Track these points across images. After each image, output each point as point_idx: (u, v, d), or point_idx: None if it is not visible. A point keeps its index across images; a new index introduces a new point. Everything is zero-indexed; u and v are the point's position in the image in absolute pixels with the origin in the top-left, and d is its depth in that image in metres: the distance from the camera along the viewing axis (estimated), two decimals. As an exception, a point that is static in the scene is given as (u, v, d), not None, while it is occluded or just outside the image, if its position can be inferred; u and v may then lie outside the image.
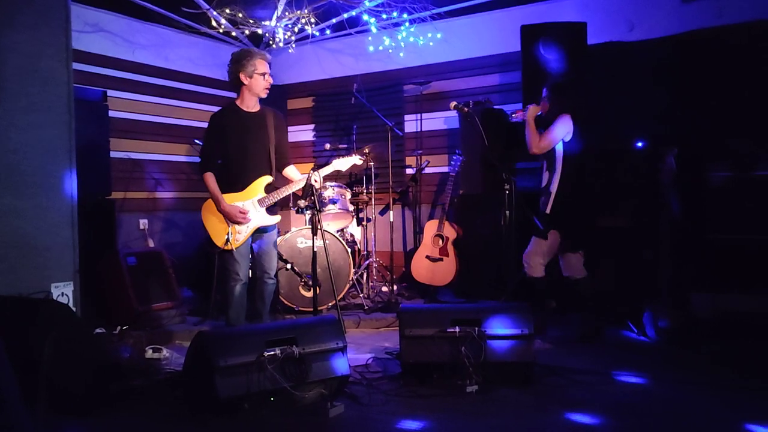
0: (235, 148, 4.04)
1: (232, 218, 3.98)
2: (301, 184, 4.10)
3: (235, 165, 4.06)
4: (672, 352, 4.13)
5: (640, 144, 5.15)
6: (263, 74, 4.04)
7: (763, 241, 4.45)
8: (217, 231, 4.03)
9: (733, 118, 4.98)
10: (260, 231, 4.12)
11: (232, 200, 4.03)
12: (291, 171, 4.29)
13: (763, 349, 4.08)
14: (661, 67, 5.27)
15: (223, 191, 4.01)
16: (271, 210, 4.13)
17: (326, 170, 4.17)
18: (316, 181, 4.00)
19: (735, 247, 4.52)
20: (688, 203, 4.64)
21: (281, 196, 4.13)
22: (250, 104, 4.11)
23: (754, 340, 4.20)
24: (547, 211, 4.46)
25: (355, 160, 4.31)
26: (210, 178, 4.02)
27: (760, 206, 4.49)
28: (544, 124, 4.68)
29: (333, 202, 5.61)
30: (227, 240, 3.97)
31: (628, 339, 4.51)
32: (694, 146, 4.77)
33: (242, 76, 4.02)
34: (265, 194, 4.08)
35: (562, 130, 4.48)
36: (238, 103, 4.12)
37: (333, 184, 5.75)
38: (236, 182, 4.06)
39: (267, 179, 4.11)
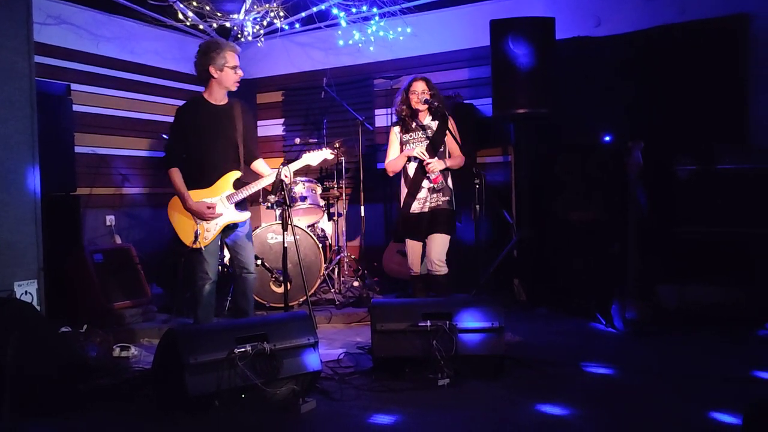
0: (202, 143, 3.91)
1: (199, 216, 3.87)
2: (271, 179, 4.01)
3: (202, 160, 3.93)
4: (639, 343, 4.21)
5: (607, 138, 5.22)
6: (234, 67, 3.93)
7: (727, 233, 4.54)
8: (185, 229, 3.92)
9: (697, 113, 5.09)
10: (230, 227, 4.02)
11: (200, 196, 3.91)
12: (260, 165, 4.18)
13: (726, 339, 4.18)
14: (628, 62, 5.35)
15: (190, 187, 3.90)
16: (240, 206, 4.03)
17: (296, 165, 4.06)
18: (286, 176, 3.91)
19: (700, 239, 4.62)
20: (654, 197, 4.73)
21: (250, 192, 4.02)
22: (218, 97, 4.00)
23: (719, 330, 4.30)
24: (454, 207, 4.42)
25: (326, 154, 4.18)
26: (175, 175, 3.90)
27: (724, 199, 4.59)
28: (406, 125, 4.45)
29: (303, 198, 5.57)
30: (195, 238, 3.87)
31: (597, 330, 4.58)
32: (660, 140, 4.85)
33: (212, 69, 3.89)
34: (233, 190, 3.98)
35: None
36: (205, 95, 4.00)
37: (303, 179, 5.73)
38: (203, 178, 3.94)
39: (235, 174, 4.01)
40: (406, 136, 4.47)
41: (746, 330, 4.27)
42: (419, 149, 4.33)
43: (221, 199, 3.95)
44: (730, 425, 2.74)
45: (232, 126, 3.99)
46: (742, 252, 4.52)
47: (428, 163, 4.28)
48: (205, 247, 3.90)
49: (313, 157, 4.14)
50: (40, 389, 3.12)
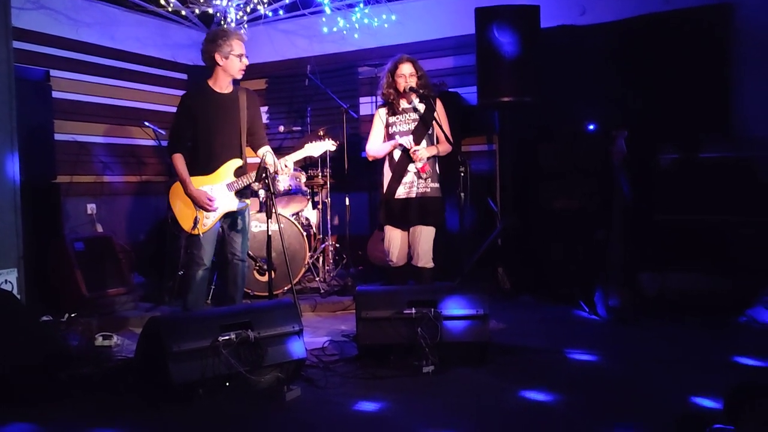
0: (205, 130, 3.92)
1: (199, 203, 3.87)
2: (271, 168, 3.97)
3: (204, 147, 3.94)
4: (621, 330, 4.24)
5: (592, 127, 5.24)
6: (240, 56, 3.93)
7: (709, 221, 4.59)
8: (185, 215, 3.93)
9: (681, 101, 5.11)
10: (230, 214, 4.02)
11: (201, 183, 3.92)
12: (265, 152, 4.13)
13: (707, 326, 4.23)
14: (612, 51, 5.36)
15: (192, 173, 3.91)
16: (241, 194, 4.02)
17: (297, 156, 4.03)
18: (286, 166, 3.93)
19: (683, 227, 4.66)
20: (637, 185, 4.75)
21: (251, 181, 3.99)
22: (223, 85, 3.99)
23: (700, 317, 4.35)
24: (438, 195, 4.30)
25: (328, 145, 4.12)
26: (179, 160, 3.90)
27: (705, 187, 4.63)
28: (393, 106, 4.31)
29: (288, 193, 5.52)
30: (195, 224, 3.88)
31: (580, 318, 4.62)
32: (644, 129, 4.87)
33: (217, 57, 3.89)
34: (234, 178, 3.97)
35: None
36: (210, 83, 3.99)
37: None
38: (206, 165, 3.94)
39: (237, 163, 4.00)
40: (393, 118, 4.32)
41: (727, 317, 4.32)
42: (406, 138, 4.20)
43: (222, 186, 3.95)
44: (711, 409, 2.77)
45: (237, 114, 3.99)
46: (723, 240, 4.57)
47: (415, 151, 4.16)
48: (203, 233, 3.90)
49: (315, 148, 4.09)
50: (20, 378, 3.08)
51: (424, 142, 4.26)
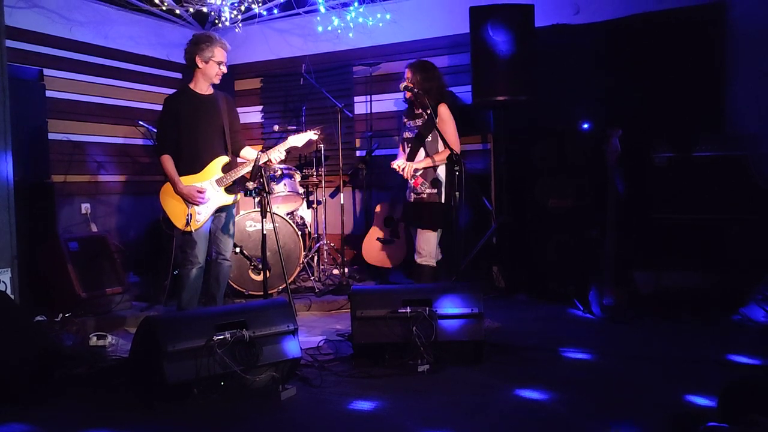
0: (190, 131, 4.05)
1: (190, 199, 3.98)
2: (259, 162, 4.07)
3: (190, 147, 4.06)
4: (616, 329, 4.25)
5: (586, 125, 5.25)
6: (219, 63, 4.10)
7: (703, 219, 4.60)
8: (177, 213, 4.02)
9: (674, 100, 5.13)
10: (220, 211, 4.15)
11: (190, 182, 4.03)
12: (247, 152, 4.32)
13: (701, 324, 4.25)
14: (606, 50, 5.37)
15: (181, 173, 4.03)
16: (230, 189, 4.14)
17: (282, 147, 4.15)
18: (267, 162, 4.03)
19: (676, 225, 4.67)
20: (632, 183, 4.77)
21: (239, 175, 4.14)
22: (203, 88, 4.15)
23: (694, 315, 4.36)
24: (442, 200, 4.42)
25: (310, 135, 4.27)
26: (167, 161, 4.02)
27: (699, 186, 4.64)
28: (411, 110, 4.62)
29: (282, 177, 5.50)
30: (188, 222, 3.96)
31: (575, 316, 4.63)
32: (638, 127, 4.88)
33: (198, 59, 4.06)
34: (222, 174, 4.10)
35: (452, 117, 4.50)
36: (191, 86, 4.15)
37: (282, 166, 5.69)
38: (193, 164, 4.06)
39: (223, 160, 4.13)
40: (406, 122, 4.65)
41: (721, 315, 4.33)
42: (395, 163, 4.49)
43: (211, 183, 4.07)
44: (705, 407, 2.78)
45: (218, 115, 4.14)
46: (717, 237, 4.58)
47: (402, 171, 4.40)
48: (196, 230, 4.00)
49: (298, 139, 4.22)
50: (14, 378, 3.07)
51: (421, 152, 4.49)
